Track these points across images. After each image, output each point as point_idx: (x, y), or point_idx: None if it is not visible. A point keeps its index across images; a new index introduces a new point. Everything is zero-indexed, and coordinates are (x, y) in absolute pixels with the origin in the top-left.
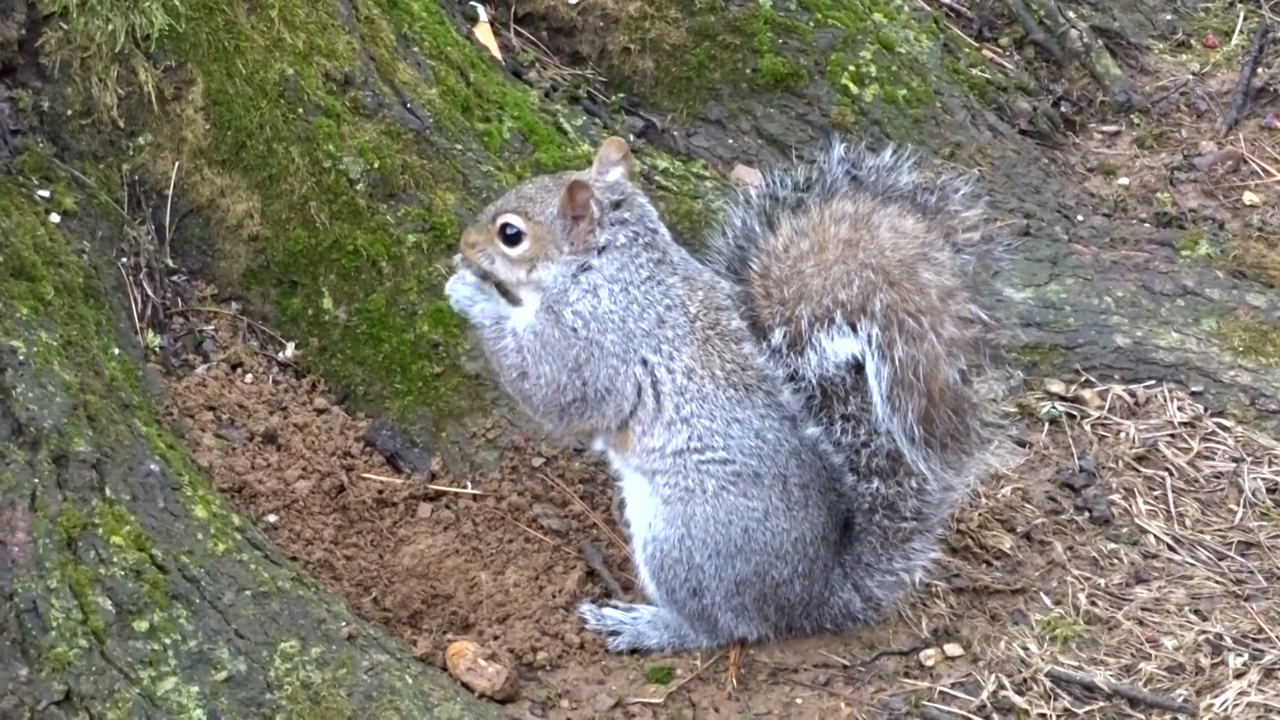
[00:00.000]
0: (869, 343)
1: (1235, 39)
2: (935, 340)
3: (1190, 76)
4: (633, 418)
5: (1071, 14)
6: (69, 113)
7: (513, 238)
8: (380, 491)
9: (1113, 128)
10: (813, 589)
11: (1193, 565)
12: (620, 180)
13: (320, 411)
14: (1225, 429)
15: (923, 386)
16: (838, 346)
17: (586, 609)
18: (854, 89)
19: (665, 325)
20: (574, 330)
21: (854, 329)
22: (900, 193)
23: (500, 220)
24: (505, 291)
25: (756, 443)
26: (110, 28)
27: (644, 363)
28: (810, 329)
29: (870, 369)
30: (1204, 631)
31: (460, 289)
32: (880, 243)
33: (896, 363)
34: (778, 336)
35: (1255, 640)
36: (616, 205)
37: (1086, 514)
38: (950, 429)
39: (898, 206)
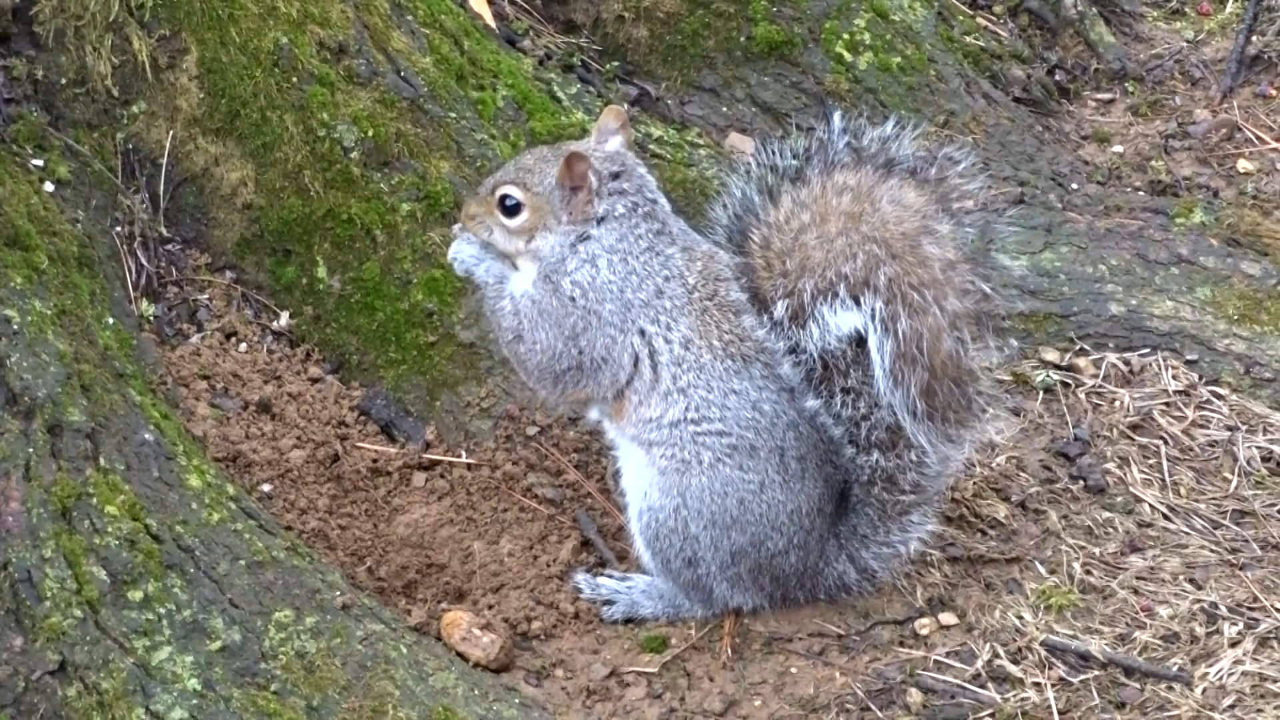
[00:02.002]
0: (872, 316)
1: (1230, 6)
2: (938, 313)
3: (1185, 44)
4: (629, 388)
5: None
6: (63, 81)
7: (512, 209)
8: (375, 461)
9: (1107, 95)
10: (808, 560)
11: (1188, 534)
12: (620, 150)
13: (314, 380)
14: (1220, 397)
15: (925, 360)
16: (840, 320)
17: (581, 578)
18: (848, 57)
19: (663, 296)
20: (572, 300)
21: (857, 302)
22: (901, 165)
23: (499, 191)
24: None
25: (753, 414)
26: None
27: (641, 333)
28: (813, 302)
29: (873, 343)
30: (1199, 600)
31: (465, 249)
32: (883, 216)
33: (900, 336)
34: (779, 309)
35: (1250, 609)
36: (615, 176)
37: (1081, 483)
38: (951, 401)
39: (899, 179)
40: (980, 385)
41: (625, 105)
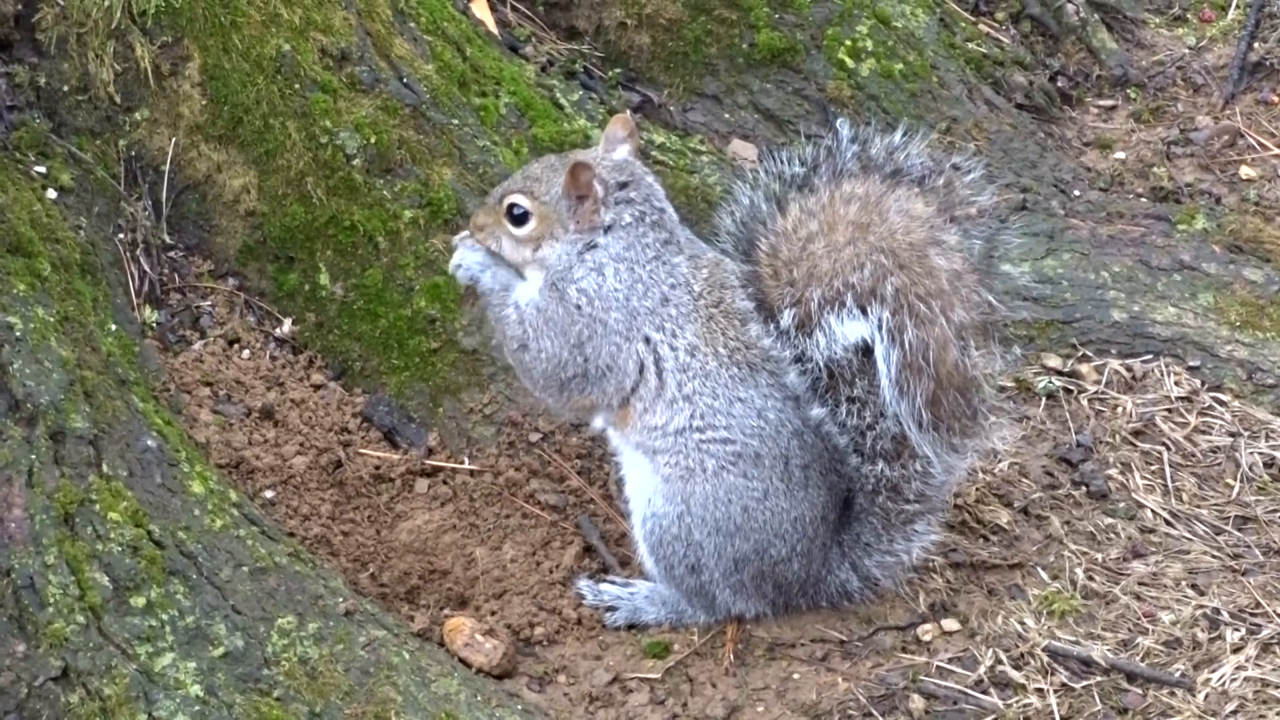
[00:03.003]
0: (879, 326)
1: (1232, 13)
2: (945, 324)
3: (1187, 50)
4: (634, 395)
5: None
6: (66, 88)
7: (519, 218)
8: (377, 467)
9: (1109, 102)
10: (811, 568)
11: (1190, 540)
12: (628, 159)
13: (317, 387)
14: (1222, 403)
15: (931, 370)
16: (847, 329)
17: (583, 584)
18: (850, 64)
19: (669, 303)
20: (578, 308)
21: (864, 312)
22: (909, 175)
23: (507, 201)
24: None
25: (758, 422)
26: (106, 3)
27: (646, 340)
28: (820, 311)
29: (879, 352)
30: (1201, 606)
31: (469, 256)
32: (891, 226)
33: (906, 347)
34: (786, 317)
35: (1252, 614)
36: (623, 185)
37: (1084, 489)
38: (957, 411)
39: (907, 189)
40: (985, 395)
41: (628, 112)
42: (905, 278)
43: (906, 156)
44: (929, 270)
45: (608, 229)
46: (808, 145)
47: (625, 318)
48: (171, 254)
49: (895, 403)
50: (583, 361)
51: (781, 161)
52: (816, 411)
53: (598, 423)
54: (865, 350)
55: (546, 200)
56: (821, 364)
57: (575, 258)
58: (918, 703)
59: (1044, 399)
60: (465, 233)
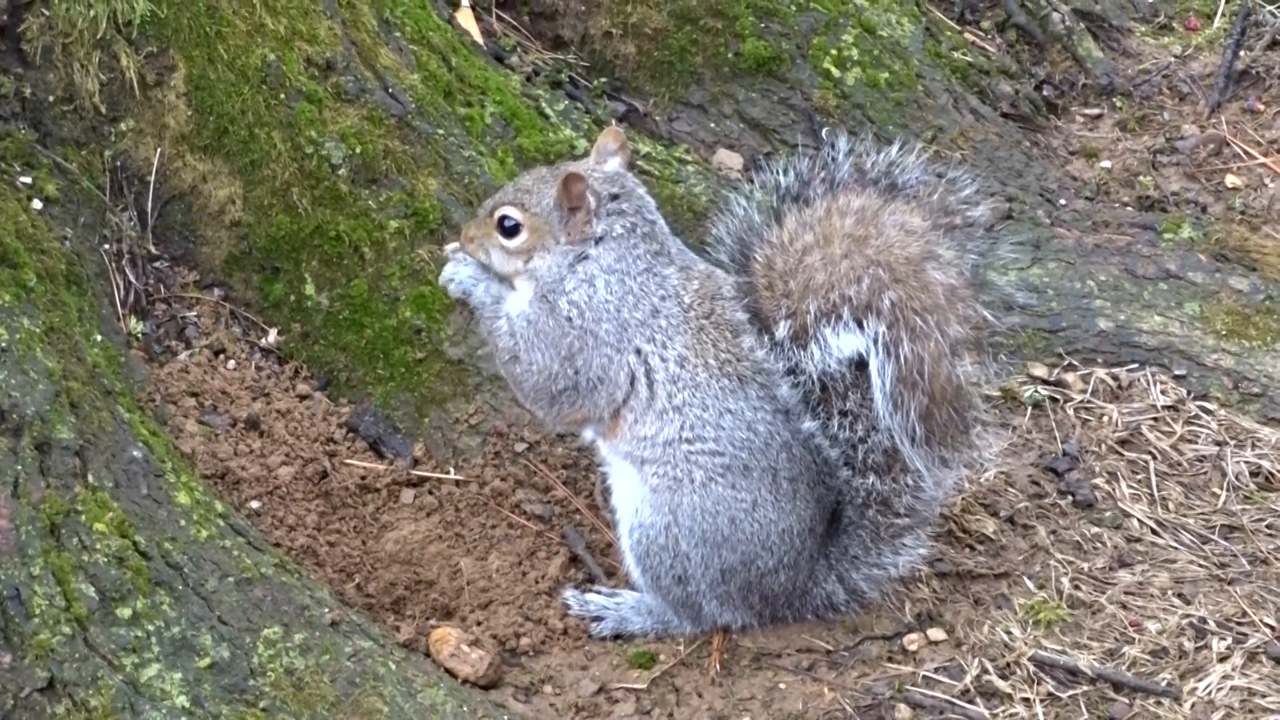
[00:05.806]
0: (875, 340)
1: (1217, 21)
2: (940, 339)
3: (1172, 59)
4: (625, 406)
5: None
6: (51, 99)
7: (511, 229)
8: (363, 477)
9: (1095, 111)
10: (797, 579)
11: (1176, 549)
12: (619, 171)
13: (303, 397)
14: (1208, 412)
15: (926, 385)
16: (843, 342)
17: (569, 594)
18: (836, 73)
19: (660, 315)
20: (569, 319)
21: (860, 326)
22: (905, 189)
23: (498, 213)
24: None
25: (748, 434)
26: (92, 14)
27: (638, 352)
28: (816, 323)
29: (874, 366)
30: (1187, 615)
31: (460, 270)
32: (887, 239)
33: (902, 361)
34: (781, 329)
35: (1239, 624)
36: (614, 197)
37: (1070, 498)
38: (950, 425)
39: (904, 203)
40: (978, 410)
41: (613, 121)
42: (902, 292)
43: (903, 170)
44: (925, 285)
45: (599, 240)
46: (803, 157)
47: (616, 329)
48: (157, 264)
49: (888, 417)
50: (573, 374)
51: (776, 172)
52: (808, 424)
53: (587, 434)
54: (859, 364)
55: (538, 212)
56: (815, 377)
57: (566, 269)
58: (904, 712)
59: (1030, 408)
60: (456, 245)
